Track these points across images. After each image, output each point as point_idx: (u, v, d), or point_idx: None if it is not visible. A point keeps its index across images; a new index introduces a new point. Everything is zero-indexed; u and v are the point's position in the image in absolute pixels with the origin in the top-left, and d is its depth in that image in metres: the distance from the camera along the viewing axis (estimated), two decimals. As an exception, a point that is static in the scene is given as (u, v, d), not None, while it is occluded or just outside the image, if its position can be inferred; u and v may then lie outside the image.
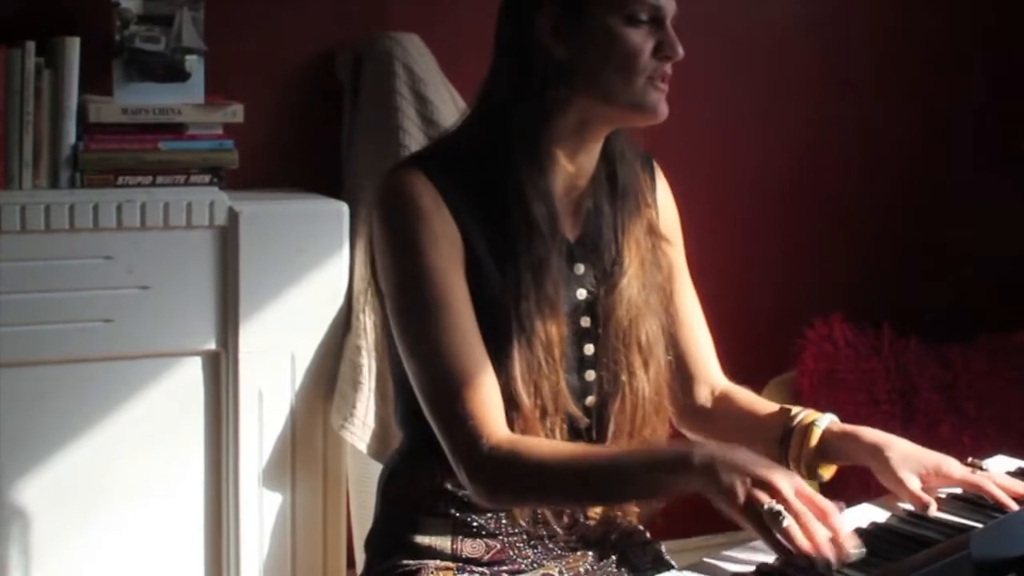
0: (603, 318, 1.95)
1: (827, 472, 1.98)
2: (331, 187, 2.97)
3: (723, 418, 2.09)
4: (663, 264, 2.03)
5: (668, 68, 1.88)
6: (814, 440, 1.95)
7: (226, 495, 2.84)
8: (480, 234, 1.86)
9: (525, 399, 1.85)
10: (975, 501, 1.88)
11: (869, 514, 1.83)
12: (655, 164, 2.10)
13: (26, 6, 2.78)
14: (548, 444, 1.82)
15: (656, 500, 1.95)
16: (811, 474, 1.97)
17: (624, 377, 1.94)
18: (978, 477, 1.88)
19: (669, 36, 1.87)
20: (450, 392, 1.80)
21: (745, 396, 2.09)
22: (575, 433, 1.94)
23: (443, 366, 1.81)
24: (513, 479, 1.79)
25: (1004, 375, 3.33)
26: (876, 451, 1.90)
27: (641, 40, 1.85)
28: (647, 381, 1.95)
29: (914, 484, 1.86)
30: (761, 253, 3.55)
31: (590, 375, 1.95)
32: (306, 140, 3.07)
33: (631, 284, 1.95)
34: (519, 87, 1.89)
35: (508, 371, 1.84)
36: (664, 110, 1.89)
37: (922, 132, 3.67)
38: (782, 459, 1.97)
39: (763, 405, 2.07)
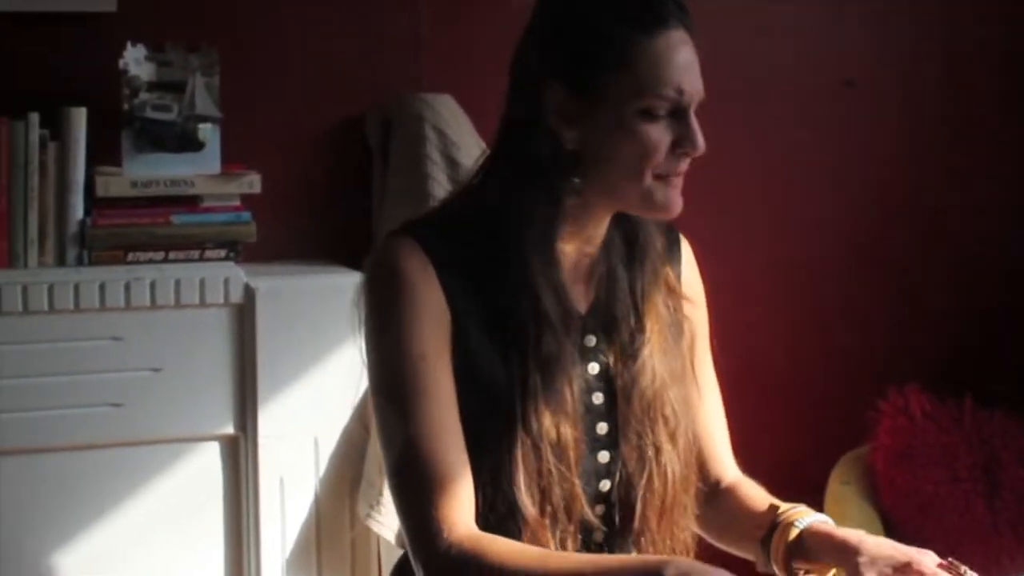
0: (623, 392, 1.81)
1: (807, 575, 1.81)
2: (358, 259, 2.82)
3: (719, 514, 1.93)
4: (685, 328, 1.89)
5: (685, 164, 1.73)
6: (790, 537, 1.79)
7: (248, 588, 2.72)
8: (476, 314, 1.73)
9: (530, 507, 1.71)
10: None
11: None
12: (680, 235, 1.95)
13: (30, 76, 2.70)
14: (511, 547, 1.67)
15: None
16: None
17: (651, 453, 1.81)
18: None
19: (690, 130, 1.70)
20: (417, 482, 1.69)
21: (746, 491, 1.93)
22: (589, 537, 1.80)
23: (412, 454, 1.69)
24: None
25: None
26: (845, 551, 1.75)
27: (658, 136, 1.69)
28: (676, 456, 1.82)
29: None
30: (828, 319, 3.36)
31: (604, 456, 1.80)
32: (330, 209, 2.95)
33: (653, 354, 1.81)
34: (526, 169, 1.74)
35: (510, 477, 1.71)
36: (677, 205, 1.74)
37: (999, 188, 3.47)
38: (765, 559, 1.83)
39: (761, 501, 1.90)
